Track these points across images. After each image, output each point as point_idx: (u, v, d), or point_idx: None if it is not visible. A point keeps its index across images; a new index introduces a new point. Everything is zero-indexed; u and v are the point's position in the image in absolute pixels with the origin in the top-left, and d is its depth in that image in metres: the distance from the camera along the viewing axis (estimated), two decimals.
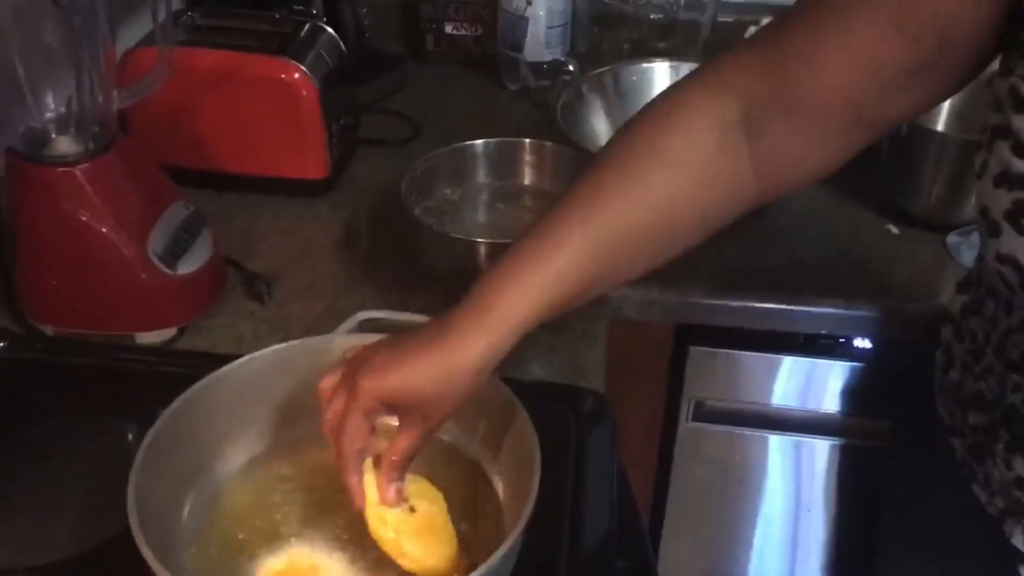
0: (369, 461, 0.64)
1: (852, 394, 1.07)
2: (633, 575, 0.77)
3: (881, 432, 1.06)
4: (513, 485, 0.68)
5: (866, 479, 1.11)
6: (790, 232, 1.09)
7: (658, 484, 1.18)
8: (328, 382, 0.65)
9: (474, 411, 0.72)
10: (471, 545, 0.66)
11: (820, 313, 1.00)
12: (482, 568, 0.58)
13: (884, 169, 1.12)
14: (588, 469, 0.78)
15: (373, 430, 0.64)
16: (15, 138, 0.85)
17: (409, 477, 0.65)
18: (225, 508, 0.69)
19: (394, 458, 0.63)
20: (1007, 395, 0.70)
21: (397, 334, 0.66)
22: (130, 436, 0.79)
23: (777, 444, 1.12)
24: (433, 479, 0.70)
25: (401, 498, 0.64)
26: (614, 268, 0.66)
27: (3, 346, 0.87)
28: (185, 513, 0.67)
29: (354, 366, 0.63)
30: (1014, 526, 0.72)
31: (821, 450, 1.12)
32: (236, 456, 0.72)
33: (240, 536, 0.67)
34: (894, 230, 1.10)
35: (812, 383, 1.08)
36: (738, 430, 1.12)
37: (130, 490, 0.60)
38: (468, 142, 1.03)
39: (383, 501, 0.63)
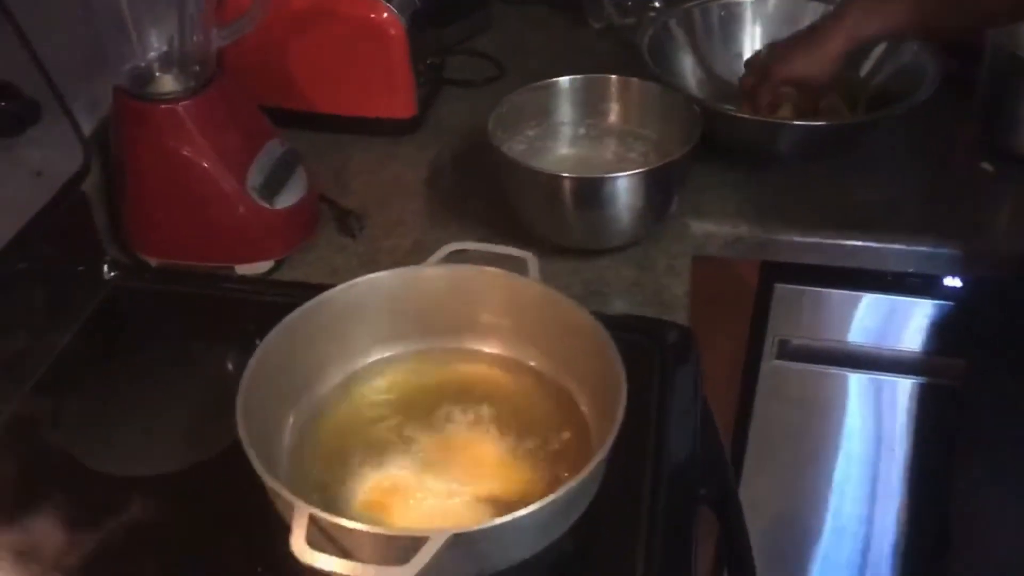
0: None
1: (939, 333, 1.05)
2: (715, 503, 0.78)
3: (961, 371, 1.04)
4: (600, 411, 0.70)
5: (947, 417, 1.09)
6: (880, 169, 1.08)
7: (740, 422, 1.18)
8: (749, 61, 1.09)
9: (564, 341, 0.74)
10: (559, 465, 0.69)
11: (909, 251, 0.99)
12: (567, 485, 0.60)
13: (979, 105, 1.09)
14: (672, 401, 0.79)
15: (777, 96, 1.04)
16: (121, 76, 0.88)
17: None
18: (326, 425, 0.73)
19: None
20: None
21: (781, 42, 1.05)
22: (230, 360, 0.83)
23: (859, 383, 1.12)
24: (524, 404, 0.73)
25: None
26: (946, 15, 0.93)
27: (113, 275, 0.92)
28: (288, 429, 0.71)
29: (765, 58, 1.05)
30: None
31: (903, 389, 1.11)
32: (335, 377, 0.75)
33: (338, 455, 0.70)
34: (988, 168, 1.07)
35: (897, 322, 1.06)
36: (821, 368, 1.11)
37: (239, 406, 0.64)
38: (553, 79, 1.04)
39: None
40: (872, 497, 1.21)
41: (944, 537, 1.08)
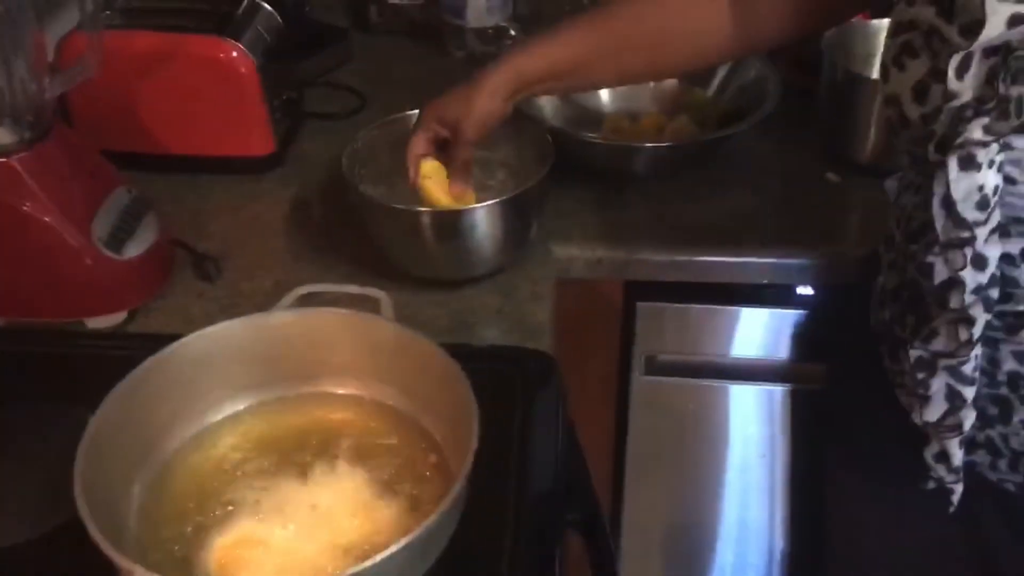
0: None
1: (796, 340, 1.09)
2: (582, 526, 0.79)
3: (823, 375, 1.08)
4: (457, 445, 0.69)
5: (812, 422, 1.14)
6: (732, 185, 1.11)
7: (617, 440, 1.20)
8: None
9: (418, 377, 0.74)
10: (416, 505, 0.68)
11: (762, 263, 1.02)
12: (421, 527, 0.60)
13: (822, 117, 1.14)
14: (534, 427, 0.80)
15: (431, 150, 0.92)
16: None
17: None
18: (174, 485, 0.70)
19: (457, 163, 0.91)
20: (908, 271, 0.74)
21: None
22: (84, 421, 0.80)
23: (727, 393, 1.15)
24: (382, 444, 0.73)
25: (465, 191, 0.92)
26: (609, 59, 0.89)
27: None
28: (135, 492, 0.69)
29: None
30: (913, 405, 0.75)
31: (771, 396, 1.15)
32: (184, 433, 0.73)
33: (190, 512, 0.68)
34: (834, 178, 1.12)
35: (759, 332, 1.10)
36: (689, 381, 1.14)
37: (76, 475, 0.62)
38: (408, 112, 1.04)
39: (455, 198, 0.91)
40: (750, 503, 1.25)
41: (820, 540, 1.12)
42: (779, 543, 1.27)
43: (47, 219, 0.86)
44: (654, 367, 1.13)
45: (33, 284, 0.90)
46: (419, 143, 0.91)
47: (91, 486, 0.62)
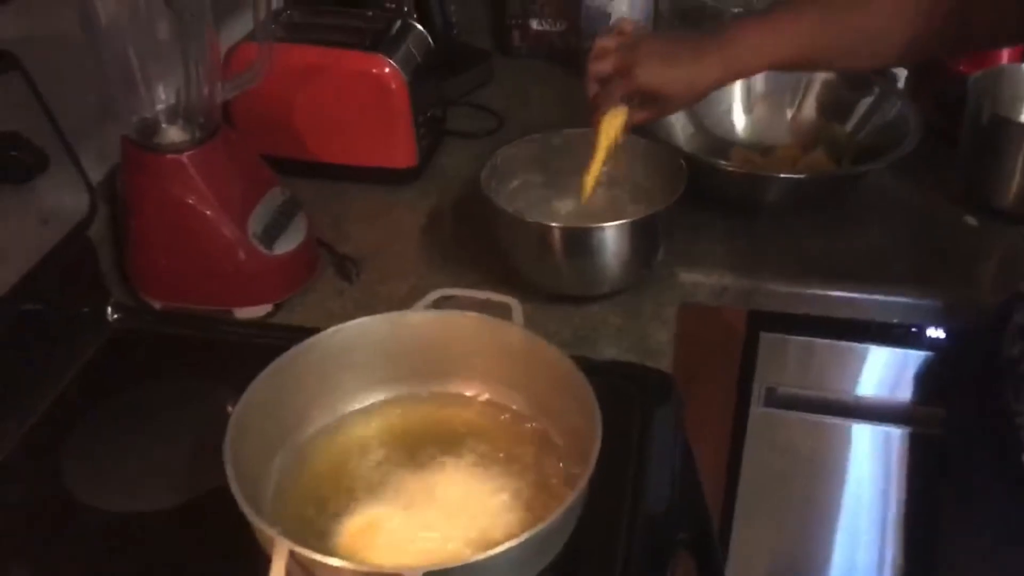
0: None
1: (922, 382, 1.07)
2: (692, 545, 0.80)
3: (942, 420, 1.06)
4: (578, 453, 0.71)
5: (932, 466, 1.11)
6: (865, 222, 1.10)
7: (731, 469, 1.20)
8: (606, 42, 0.92)
9: (544, 384, 0.76)
10: (535, 505, 0.71)
11: (893, 302, 1.01)
12: (540, 525, 0.62)
13: (964, 160, 1.12)
14: (652, 444, 0.81)
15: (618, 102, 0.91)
16: (129, 127, 0.93)
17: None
18: (311, 467, 0.75)
19: (635, 123, 0.93)
20: None
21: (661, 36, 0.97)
22: (227, 401, 0.85)
23: (846, 431, 1.13)
24: (506, 446, 0.76)
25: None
26: (837, 50, 0.88)
27: (117, 317, 0.95)
28: (274, 470, 0.73)
29: (631, 51, 0.90)
30: None
31: (890, 438, 1.13)
32: (322, 419, 0.78)
33: (323, 494, 0.73)
34: (972, 221, 1.10)
35: (884, 371, 1.09)
36: (808, 416, 1.13)
37: (226, 446, 0.66)
38: (549, 131, 1.07)
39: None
40: (862, 545, 1.22)
41: None
42: None
43: (208, 212, 0.93)
44: (774, 399, 1.12)
45: (190, 273, 0.96)
46: (617, 94, 0.91)
47: (238, 459, 0.66)
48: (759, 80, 1.21)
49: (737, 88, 1.22)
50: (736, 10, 1.37)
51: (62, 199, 0.86)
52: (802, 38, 0.87)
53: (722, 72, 0.89)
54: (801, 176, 1.09)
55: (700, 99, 0.92)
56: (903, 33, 0.85)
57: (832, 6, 0.87)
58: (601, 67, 0.92)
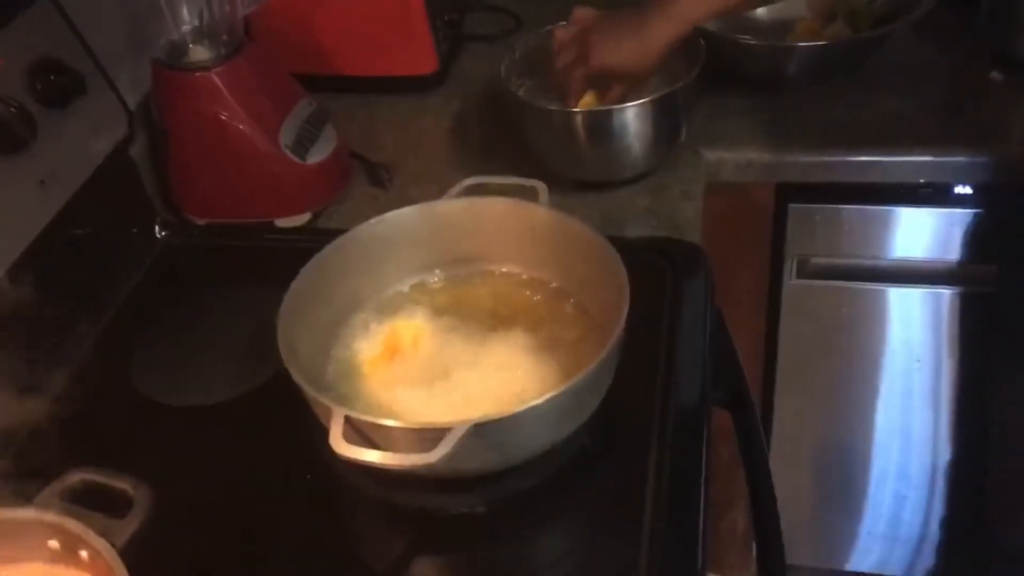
0: None
1: (967, 241, 1.07)
2: (728, 405, 0.83)
3: (987, 277, 1.06)
4: (611, 317, 0.73)
5: (982, 326, 1.11)
6: (888, 86, 1.10)
7: (768, 345, 1.22)
8: (564, 34, 0.98)
9: (574, 258, 0.79)
10: (572, 366, 0.74)
11: (919, 162, 1.01)
12: (579, 375, 0.66)
13: (986, 16, 1.11)
14: (683, 310, 0.84)
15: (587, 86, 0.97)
16: (159, 51, 0.96)
17: None
18: (363, 351, 0.79)
19: (612, 99, 0.97)
20: None
21: (609, 17, 0.96)
22: (275, 302, 0.89)
23: (884, 296, 1.14)
24: (544, 314, 0.80)
25: None
26: None
27: (164, 235, 1.00)
28: (332, 360, 0.78)
29: (585, 37, 0.95)
30: None
31: (933, 299, 1.13)
32: (367, 304, 0.82)
33: (377, 372, 0.77)
34: (999, 76, 1.09)
35: (924, 233, 1.09)
36: (842, 284, 1.14)
37: (279, 327, 0.71)
38: (563, 22, 1.07)
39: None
40: (914, 411, 1.24)
41: (984, 447, 1.11)
42: (943, 454, 1.26)
43: (241, 127, 0.96)
44: (807, 270, 1.13)
45: (228, 187, 1.00)
46: (580, 81, 0.97)
47: (289, 343, 0.70)
48: None
49: None
50: None
51: (101, 122, 0.90)
52: None
53: (669, 32, 0.92)
54: (821, 43, 1.09)
55: (659, 62, 0.94)
56: None
57: None
58: (563, 59, 0.98)
